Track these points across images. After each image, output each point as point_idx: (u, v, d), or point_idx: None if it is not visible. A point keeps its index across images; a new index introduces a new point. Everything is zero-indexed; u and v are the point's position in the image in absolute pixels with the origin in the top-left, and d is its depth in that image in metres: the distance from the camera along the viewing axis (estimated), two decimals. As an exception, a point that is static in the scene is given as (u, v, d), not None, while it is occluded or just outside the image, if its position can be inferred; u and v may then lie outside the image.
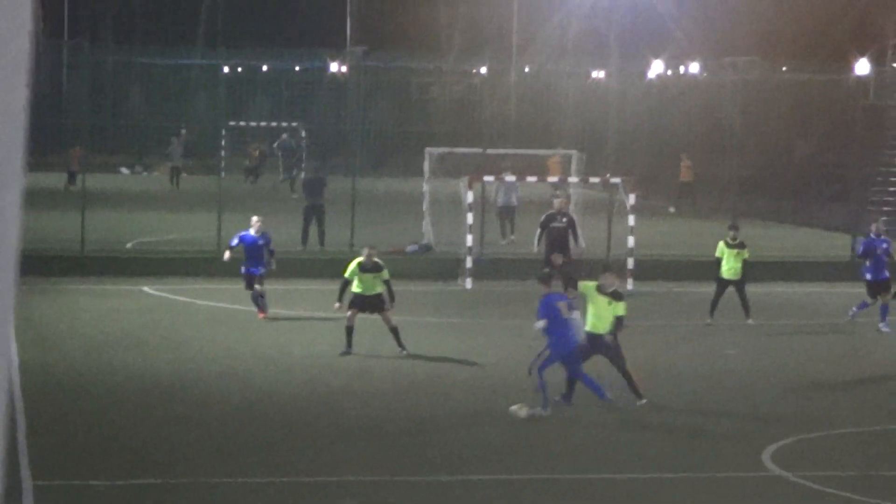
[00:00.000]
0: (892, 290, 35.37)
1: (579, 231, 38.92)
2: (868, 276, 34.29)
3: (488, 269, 40.26)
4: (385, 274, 29.88)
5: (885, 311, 34.08)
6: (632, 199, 40.45)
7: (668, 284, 40.68)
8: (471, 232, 39.68)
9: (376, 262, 30.16)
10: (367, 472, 21.33)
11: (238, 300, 33.65)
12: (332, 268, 36.53)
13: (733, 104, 55.11)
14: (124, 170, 65.46)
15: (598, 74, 77.97)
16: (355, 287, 29.62)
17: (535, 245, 38.44)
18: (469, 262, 39.27)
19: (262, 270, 31.90)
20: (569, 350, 23.37)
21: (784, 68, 70.30)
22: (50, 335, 30.63)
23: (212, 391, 25.28)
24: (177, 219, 46.55)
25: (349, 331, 27.86)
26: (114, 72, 61.17)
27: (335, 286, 32.29)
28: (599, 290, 23.91)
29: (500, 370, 28.29)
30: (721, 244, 34.64)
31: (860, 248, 36.00)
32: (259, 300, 31.80)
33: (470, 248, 39.59)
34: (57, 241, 40.21)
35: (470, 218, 39.62)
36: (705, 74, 77.32)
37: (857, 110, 54.39)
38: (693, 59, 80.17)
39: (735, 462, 22.39)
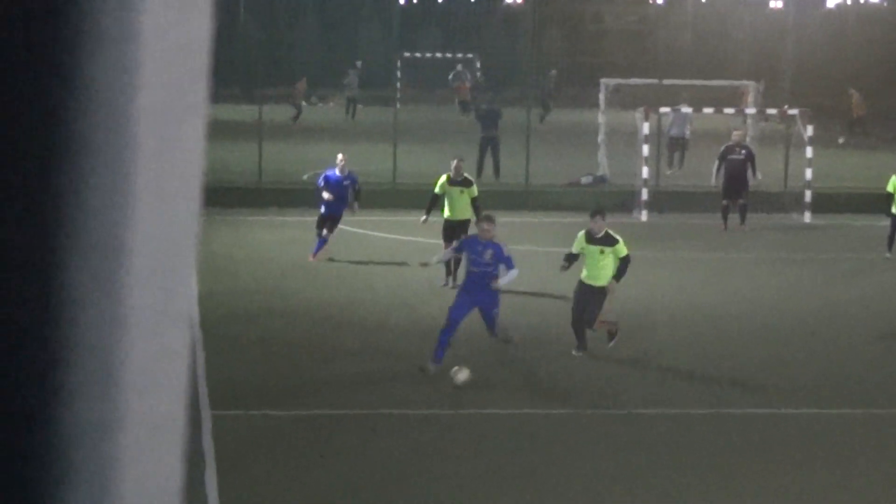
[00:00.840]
0: None
1: (756, 164, 38.53)
2: None
3: (664, 200, 39.91)
4: (474, 190, 29.61)
5: None
6: (809, 130, 39.78)
7: (843, 217, 39.63)
8: (646, 164, 39.47)
9: (466, 177, 29.93)
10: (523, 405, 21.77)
11: (414, 232, 33.00)
12: (508, 200, 38.00)
13: None
14: (302, 102, 65.16)
15: (775, 3, 74.85)
16: (445, 210, 29.39)
17: (713, 177, 38.50)
18: (644, 195, 39.19)
19: (343, 211, 31.51)
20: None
21: None
22: (227, 265, 30.88)
23: (384, 322, 25.27)
24: (353, 150, 46.08)
25: (447, 264, 27.11)
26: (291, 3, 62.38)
27: (510, 218, 32.99)
28: (589, 238, 22.66)
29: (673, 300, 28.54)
30: (893, 178, 33.58)
31: None
32: (321, 243, 31.15)
33: (645, 181, 39.43)
34: (237, 173, 40.91)
35: (646, 150, 39.43)
36: (885, 3, 74.86)
37: None
38: None
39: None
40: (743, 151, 37.80)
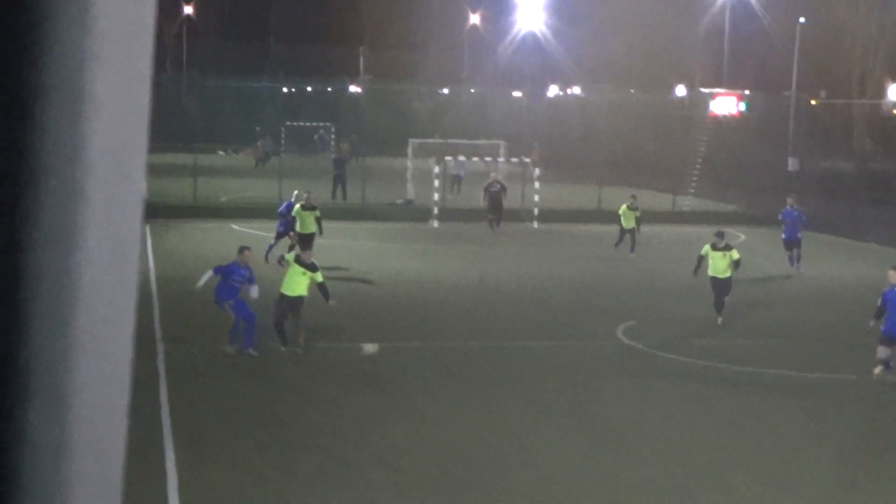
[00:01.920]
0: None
1: (507, 192, 42.33)
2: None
3: (449, 215, 43.19)
4: (317, 213, 31.33)
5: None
6: (537, 171, 44.87)
7: (558, 225, 43.10)
8: (437, 192, 43.76)
9: (313, 205, 31.64)
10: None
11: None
12: (352, 213, 42.96)
13: (601, 114, 60.84)
14: (221, 152, 70.12)
15: (517, 94, 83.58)
16: (299, 227, 30.79)
17: (481, 201, 43.09)
18: (436, 211, 43.21)
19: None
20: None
21: (632, 90, 75.87)
22: (175, 253, 33.31)
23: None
24: (260, 184, 50.21)
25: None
26: (214, 91, 69.45)
27: (353, 225, 37.13)
28: (297, 261, 20.84)
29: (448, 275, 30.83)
30: (623, 207, 36.03)
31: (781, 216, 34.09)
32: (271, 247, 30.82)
33: (436, 202, 43.56)
34: (180, 196, 44.69)
35: (436, 183, 43.68)
36: (583, 95, 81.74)
37: (677, 119, 62.74)
38: (576, 84, 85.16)
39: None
40: (498, 185, 41.65)
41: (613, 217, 43.37)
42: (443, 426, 16.35)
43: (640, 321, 24.73)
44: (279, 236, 31.85)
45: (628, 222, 35.43)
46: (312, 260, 21.59)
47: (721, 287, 24.18)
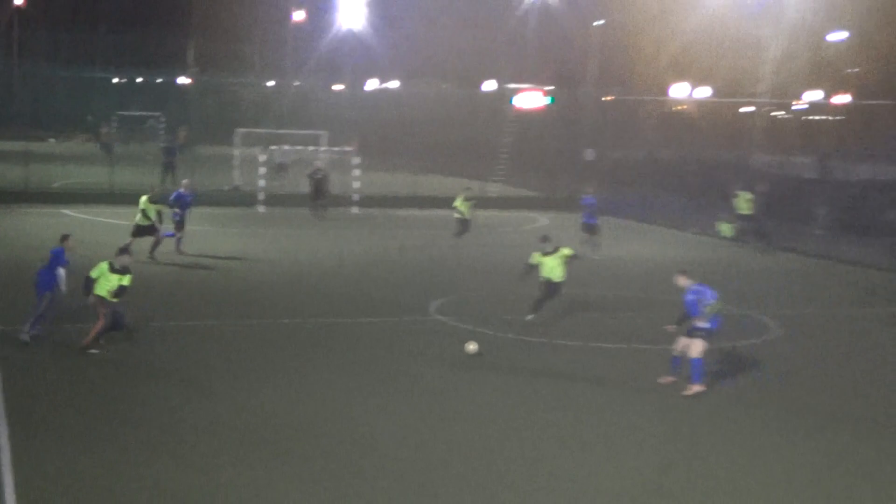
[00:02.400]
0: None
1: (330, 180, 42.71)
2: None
3: (274, 200, 43.24)
4: (162, 208, 29.02)
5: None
6: (357, 160, 44.75)
7: (375, 210, 43.76)
8: (263, 179, 43.60)
9: (159, 198, 29.10)
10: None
11: (118, 217, 35.00)
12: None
13: (416, 106, 62.54)
14: (52, 140, 69.21)
15: (338, 87, 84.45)
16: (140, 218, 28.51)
17: (305, 187, 42.28)
18: (262, 196, 43.08)
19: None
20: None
21: (445, 85, 76.92)
22: (5, 238, 32.34)
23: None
24: (95, 171, 48.97)
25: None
26: (46, 80, 66.02)
27: (202, 209, 35.01)
28: (111, 268, 18.25)
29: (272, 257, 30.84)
30: (458, 199, 34.82)
31: None
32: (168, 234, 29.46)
33: (262, 188, 43.28)
34: (12, 182, 43.45)
35: (262, 171, 43.51)
36: (400, 89, 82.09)
37: (483, 111, 64.37)
38: (394, 79, 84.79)
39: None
40: (321, 172, 41.84)
41: (429, 202, 45.88)
42: (268, 396, 16.30)
43: (452, 298, 24.86)
44: (179, 227, 30.12)
45: (465, 212, 34.55)
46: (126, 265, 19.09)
47: (555, 290, 22.53)
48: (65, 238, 19.81)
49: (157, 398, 16.04)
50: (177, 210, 30.03)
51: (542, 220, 43.75)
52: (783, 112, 69.22)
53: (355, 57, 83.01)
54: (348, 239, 35.61)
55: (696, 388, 17.30)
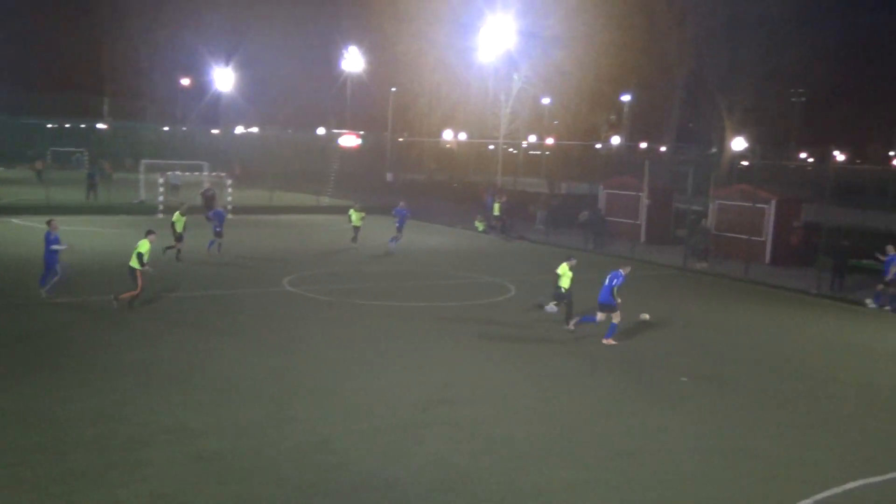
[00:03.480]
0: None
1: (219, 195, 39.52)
2: None
3: (170, 210, 34.96)
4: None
5: None
6: (230, 181, 42.06)
7: (250, 216, 40.17)
8: (161, 195, 39.93)
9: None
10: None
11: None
12: (103, 209, 38.85)
13: (272, 144, 63.56)
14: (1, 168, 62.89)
15: (215, 130, 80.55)
16: None
17: (198, 201, 38.14)
18: (160, 207, 39.01)
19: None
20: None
21: (290, 130, 75.79)
22: None
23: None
24: (25, 190, 46.05)
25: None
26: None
27: (102, 216, 33.44)
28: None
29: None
30: (351, 211, 31.56)
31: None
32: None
33: (160, 201, 39.56)
34: None
35: (160, 189, 40.12)
36: (259, 132, 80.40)
37: (317, 148, 65.23)
38: (255, 125, 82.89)
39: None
40: (211, 190, 39.27)
41: (282, 209, 43.66)
42: (166, 348, 15.32)
43: (298, 275, 24.08)
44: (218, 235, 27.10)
45: (357, 221, 31.09)
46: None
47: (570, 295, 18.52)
48: (49, 222, 18.98)
49: (72, 346, 14.68)
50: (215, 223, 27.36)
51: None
52: (514, 149, 70.88)
53: (226, 109, 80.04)
54: (225, 236, 33.09)
55: (611, 341, 17.10)
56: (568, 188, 55.69)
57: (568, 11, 50.76)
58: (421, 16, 53.71)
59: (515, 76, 56.57)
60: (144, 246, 17.92)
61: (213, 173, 47.24)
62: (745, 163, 55.04)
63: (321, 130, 76.25)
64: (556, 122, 67.76)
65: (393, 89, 61.00)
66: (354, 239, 30.81)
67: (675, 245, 34.17)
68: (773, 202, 32.01)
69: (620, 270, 17.45)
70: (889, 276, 22.82)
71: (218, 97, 79.41)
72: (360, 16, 59.79)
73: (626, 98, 66.64)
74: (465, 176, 60.82)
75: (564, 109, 62.14)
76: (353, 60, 62.86)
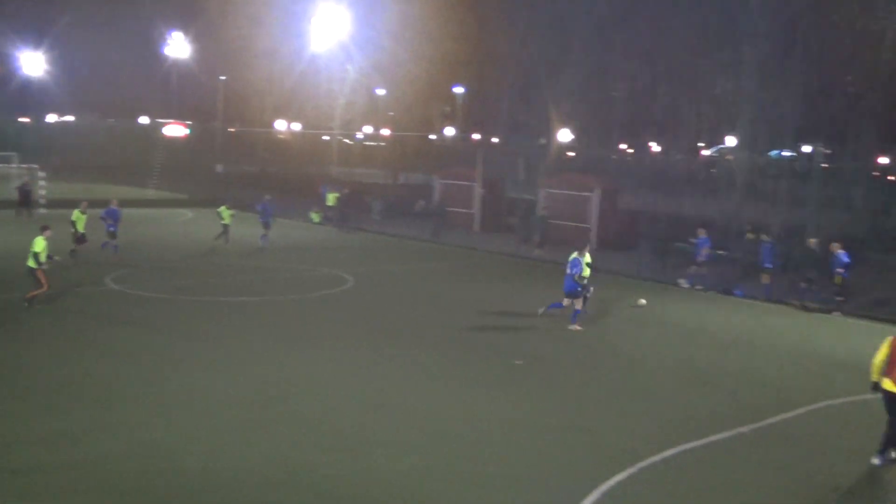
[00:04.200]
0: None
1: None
2: None
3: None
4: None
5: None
6: (42, 174, 39.43)
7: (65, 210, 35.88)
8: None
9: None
10: None
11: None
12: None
13: (90, 135, 59.39)
14: None
15: (24, 119, 73.98)
16: None
17: (14, 194, 36.06)
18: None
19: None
20: None
21: (111, 120, 71.78)
22: None
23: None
24: None
25: None
26: None
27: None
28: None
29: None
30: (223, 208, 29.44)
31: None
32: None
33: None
34: None
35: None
36: (77, 121, 75.81)
37: (140, 138, 61.89)
38: (70, 114, 76.44)
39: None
40: (27, 186, 36.54)
41: (100, 203, 40.78)
42: (43, 347, 14.00)
43: (123, 272, 22.88)
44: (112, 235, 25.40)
45: (227, 219, 29.26)
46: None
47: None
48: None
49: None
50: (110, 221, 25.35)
51: (189, 213, 41.40)
52: (349, 140, 70.62)
53: (38, 96, 72.17)
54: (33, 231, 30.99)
55: (576, 326, 17.81)
56: (405, 179, 56.19)
57: (401, 3, 51.08)
58: (251, 2, 52.24)
59: (349, 67, 56.31)
60: (39, 244, 17.14)
61: (25, 165, 44.27)
62: (571, 153, 57.65)
63: (144, 119, 72.14)
64: (391, 114, 68.06)
65: (222, 78, 58.86)
66: (224, 237, 29.00)
67: (508, 232, 35.38)
68: (598, 190, 33.79)
69: (577, 256, 18.01)
70: (700, 258, 24.64)
71: (27, 83, 73.81)
72: (185, 1, 57.21)
73: (459, 90, 68.00)
74: (299, 167, 59.89)
75: (399, 100, 62.57)
76: (177, 46, 60.11)
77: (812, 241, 24.00)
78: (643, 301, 19.97)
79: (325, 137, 63.81)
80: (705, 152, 64.95)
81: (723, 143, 59.99)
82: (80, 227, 23.98)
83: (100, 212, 25.93)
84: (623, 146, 73.90)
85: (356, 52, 54.86)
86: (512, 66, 58.53)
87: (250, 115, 66.23)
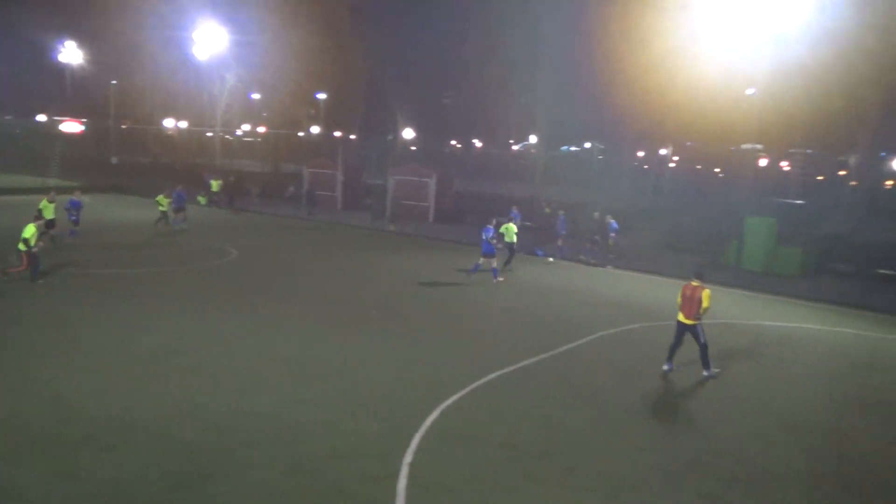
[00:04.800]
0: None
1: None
2: None
3: None
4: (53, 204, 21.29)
5: None
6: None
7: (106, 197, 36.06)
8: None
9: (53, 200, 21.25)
10: None
11: None
12: None
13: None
14: None
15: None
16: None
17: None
18: None
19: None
20: None
21: (8, 117, 65.41)
22: None
23: None
24: None
25: None
26: None
27: None
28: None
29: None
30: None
31: None
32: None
33: None
34: None
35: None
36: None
37: (40, 134, 56.07)
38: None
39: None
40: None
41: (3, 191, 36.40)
42: None
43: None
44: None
45: (164, 207, 26.00)
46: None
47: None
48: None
49: None
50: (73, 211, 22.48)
51: (86, 199, 37.73)
52: (230, 136, 67.31)
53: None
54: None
55: (500, 279, 18.82)
56: (279, 168, 54.30)
57: (272, 21, 49.09)
58: (139, 13, 48.09)
59: (227, 75, 53.48)
60: (29, 230, 15.75)
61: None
62: (413, 147, 57.86)
63: (42, 117, 64.87)
64: (264, 114, 65.39)
65: (113, 82, 54.14)
66: (164, 221, 26.27)
67: (364, 211, 35.19)
68: (434, 177, 34.35)
69: (488, 226, 18.83)
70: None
71: None
72: (78, 10, 51.58)
73: (322, 96, 66.38)
74: (187, 159, 56.42)
75: (272, 103, 60.29)
76: (71, 53, 54.47)
77: (595, 214, 25.41)
78: (551, 259, 20.23)
79: (209, 134, 60.32)
80: (515, 147, 67.28)
81: (528, 140, 62.31)
82: (48, 215, 21.17)
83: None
84: (453, 142, 75.00)
85: (233, 61, 52.06)
86: (364, 76, 57.93)
87: (141, 114, 61.47)
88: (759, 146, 29.05)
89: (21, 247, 15.92)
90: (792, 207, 23.02)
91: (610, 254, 22.94)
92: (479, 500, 7.45)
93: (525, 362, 12.18)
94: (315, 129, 70.21)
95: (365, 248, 24.72)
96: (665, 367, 12.02)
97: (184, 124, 66.05)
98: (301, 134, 64.97)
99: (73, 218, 22.82)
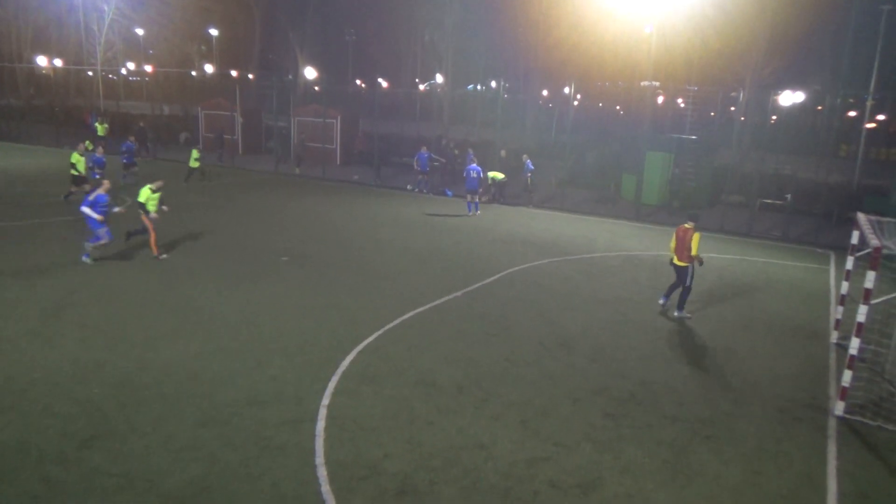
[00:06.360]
0: None
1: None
2: None
3: None
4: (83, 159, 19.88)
5: None
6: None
7: None
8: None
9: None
10: None
11: None
12: None
13: None
14: None
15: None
16: None
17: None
18: None
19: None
20: None
21: None
22: None
23: None
24: None
25: None
26: None
27: None
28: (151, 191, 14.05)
29: None
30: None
31: None
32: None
33: None
34: None
35: None
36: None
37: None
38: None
39: None
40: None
41: None
42: None
43: None
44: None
45: (194, 163, 24.65)
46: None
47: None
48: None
49: None
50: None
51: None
52: (113, 75, 62.53)
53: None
54: None
55: (477, 212, 20.15)
56: (169, 111, 51.16)
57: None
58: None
59: (105, 7, 49.13)
60: (144, 194, 14.30)
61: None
62: (317, 88, 55.99)
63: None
64: (150, 52, 60.96)
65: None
66: (199, 174, 25.24)
67: (267, 154, 34.11)
68: (339, 118, 33.53)
69: (472, 165, 20.01)
70: (416, 167, 25.46)
71: None
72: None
73: (214, 32, 62.39)
74: (66, 100, 51.99)
75: (158, 40, 56.22)
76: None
77: (503, 153, 25.73)
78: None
79: (90, 73, 55.72)
80: (421, 87, 66.54)
81: (434, 79, 61.78)
82: (81, 169, 19.96)
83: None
84: (358, 82, 73.06)
85: (112, -8, 47.84)
86: (259, 12, 54.93)
87: (7, 51, 55.74)
88: (656, 84, 30.22)
89: (150, 207, 14.33)
90: (686, 142, 24.16)
91: (526, 191, 23.45)
92: (396, 436, 7.60)
93: (438, 301, 12.34)
94: (209, 68, 66.36)
95: (271, 194, 24.06)
96: (660, 301, 12.48)
97: (59, 63, 60.61)
98: (193, 73, 61.32)
99: (95, 176, 22.05)
